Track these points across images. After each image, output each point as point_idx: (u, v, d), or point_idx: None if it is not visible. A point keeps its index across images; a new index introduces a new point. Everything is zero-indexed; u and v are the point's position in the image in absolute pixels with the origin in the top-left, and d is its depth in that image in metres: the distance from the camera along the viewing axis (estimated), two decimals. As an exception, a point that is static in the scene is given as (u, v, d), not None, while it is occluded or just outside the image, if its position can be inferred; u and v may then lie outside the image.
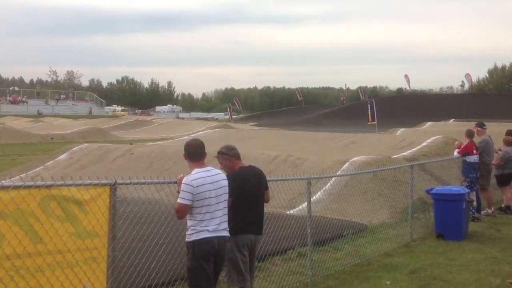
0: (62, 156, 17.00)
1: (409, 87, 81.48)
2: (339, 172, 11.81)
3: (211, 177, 4.99)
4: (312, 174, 7.75)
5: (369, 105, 40.32)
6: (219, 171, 5.21)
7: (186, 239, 4.94)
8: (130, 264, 5.50)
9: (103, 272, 4.43)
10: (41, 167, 16.41)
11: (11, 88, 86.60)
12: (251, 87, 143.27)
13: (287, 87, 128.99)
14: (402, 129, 32.18)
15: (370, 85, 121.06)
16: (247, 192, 5.50)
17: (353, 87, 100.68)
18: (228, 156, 5.61)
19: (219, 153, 5.65)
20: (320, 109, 70.42)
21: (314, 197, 9.17)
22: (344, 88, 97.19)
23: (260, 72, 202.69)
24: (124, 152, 16.65)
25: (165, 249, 5.96)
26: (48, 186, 4.09)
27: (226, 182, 5.13)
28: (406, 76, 75.86)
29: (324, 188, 11.38)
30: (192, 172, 4.97)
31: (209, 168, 5.07)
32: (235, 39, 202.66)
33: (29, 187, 3.97)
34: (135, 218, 5.63)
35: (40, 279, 3.99)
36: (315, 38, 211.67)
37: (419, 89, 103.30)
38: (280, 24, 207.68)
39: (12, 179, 13.15)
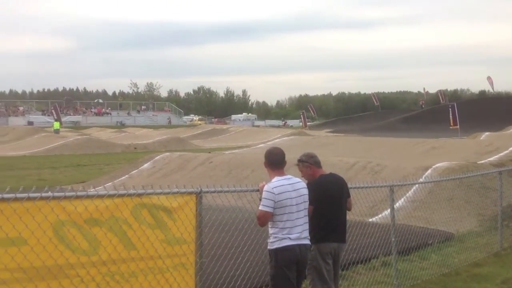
0: (146, 165, 17.63)
1: (493, 89, 77.72)
2: (421, 179, 11.47)
3: (291, 185, 5.00)
4: (393, 181, 7.58)
5: (450, 109, 38.81)
6: (299, 179, 5.20)
7: (269, 247, 4.97)
8: (217, 270, 5.62)
9: (192, 278, 4.53)
10: (126, 175, 17.10)
11: (95, 101, 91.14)
12: (326, 93, 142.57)
13: (362, 92, 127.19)
14: (487, 133, 30.85)
15: (450, 88, 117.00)
16: (329, 199, 5.45)
17: (432, 90, 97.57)
18: (308, 164, 5.58)
19: (299, 161, 5.64)
20: (397, 114, 68.55)
21: (396, 205, 8.96)
22: (422, 91, 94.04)
23: (334, 78, 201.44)
24: (204, 160, 17.02)
25: (249, 256, 6.03)
26: (140, 195, 4.25)
27: (306, 191, 5.11)
28: (489, 78, 72.53)
29: (406, 195, 11.08)
30: (273, 180, 4.99)
31: (289, 176, 5.08)
32: (308, 45, 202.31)
33: (122, 195, 4.14)
34: (220, 226, 5.74)
35: (133, 284, 4.14)
36: (390, 41, 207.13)
37: (504, 91, 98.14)
38: (353, 29, 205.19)
39: (105, 186, 13.81)
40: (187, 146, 39.19)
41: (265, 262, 5.33)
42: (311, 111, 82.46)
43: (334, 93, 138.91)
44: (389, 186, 6.97)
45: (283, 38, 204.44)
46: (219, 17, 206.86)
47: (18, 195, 3.58)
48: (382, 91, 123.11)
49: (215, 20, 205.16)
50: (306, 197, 5.10)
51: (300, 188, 5.05)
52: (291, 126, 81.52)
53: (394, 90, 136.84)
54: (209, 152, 22.81)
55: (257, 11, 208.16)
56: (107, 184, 15.31)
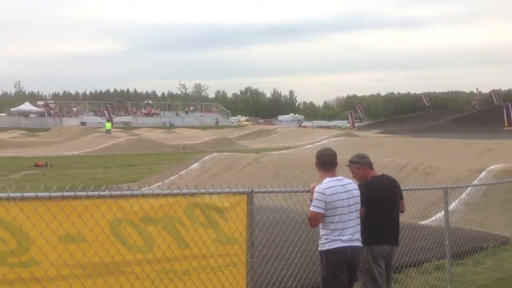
0: (195, 165, 17.85)
1: (550, 88, 74.62)
2: (475, 181, 11.15)
3: (342, 186, 4.95)
4: (447, 183, 7.40)
5: (504, 109, 37.71)
6: (350, 180, 5.16)
7: (320, 248, 4.94)
8: (268, 271, 5.63)
9: (243, 277, 4.56)
10: (176, 175, 17.37)
11: (145, 102, 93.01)
12: (374, 94, 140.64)
13: (412, 92, 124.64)
14: (544, 134, 29.60)
15: (504, 87, 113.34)
16: (381, 201, 5.38)
17: (485, 90, 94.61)
18: (360, 164, 5.53)
19: (350, 161, 5.59)
20: (449, 114, 66.77)
21: (450, 207, 8.73)
22: (475, 91, 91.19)
23: (383, 78, 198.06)
24: (251, 161, 17.10)
25: (300, 257, 6.02)
26: (193, 194, 4.31)
27: (357, 192, 5.06)
28: (546, 76, 69.73)
29: (459, 198, 10.80)
30: (324, 181, 4.97)
31: (340, 177, 5.03)
32: (356, 45, 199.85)
33: (176, 194, 4.20)
34: (271, 226, 5.74)
35: (187, 282, 4.20)
36: (441, 40, 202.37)
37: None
38: (402, 28, 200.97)
39: (159, 185, 14.07)
40: (234, 147, 39.47)
41: (316, 263, 5.30)
42: (359, 112, 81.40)
43: (383, 93, 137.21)
44: (443, 189, 6.82)
45: (330, 39, 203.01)
46: (266, 18, 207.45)
47: (78, 194, 3.69)
48: (432, 91, 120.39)
49: (262, 21, 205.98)
50: (358, 199, 5.05)
51: (351, 190, 5.01)
52: (339, 126, 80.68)
53: (445, 90, 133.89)
54: (257, 153, 22.90)
55: (303, 12, 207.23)
56: (159, 183, 15.60)
